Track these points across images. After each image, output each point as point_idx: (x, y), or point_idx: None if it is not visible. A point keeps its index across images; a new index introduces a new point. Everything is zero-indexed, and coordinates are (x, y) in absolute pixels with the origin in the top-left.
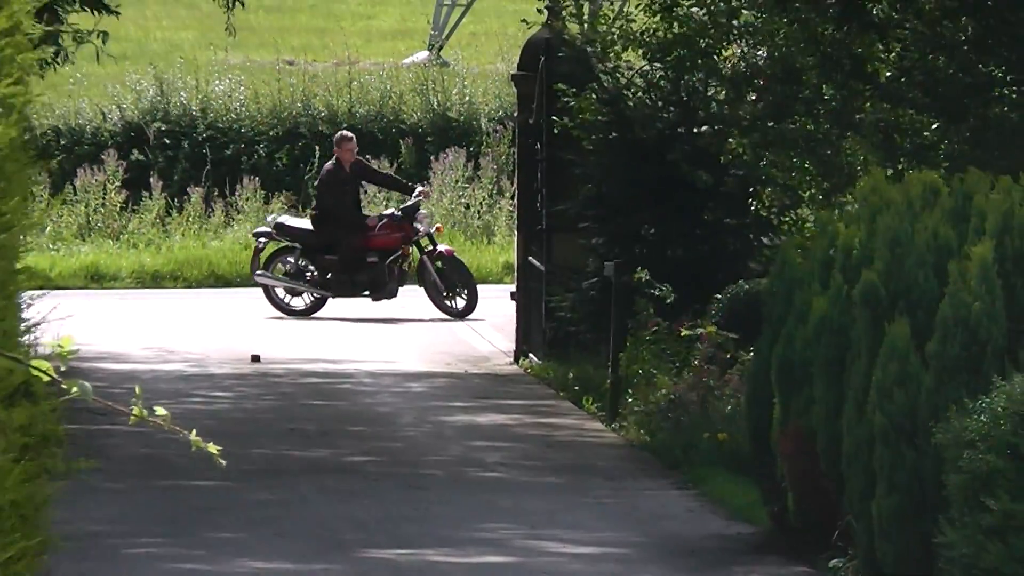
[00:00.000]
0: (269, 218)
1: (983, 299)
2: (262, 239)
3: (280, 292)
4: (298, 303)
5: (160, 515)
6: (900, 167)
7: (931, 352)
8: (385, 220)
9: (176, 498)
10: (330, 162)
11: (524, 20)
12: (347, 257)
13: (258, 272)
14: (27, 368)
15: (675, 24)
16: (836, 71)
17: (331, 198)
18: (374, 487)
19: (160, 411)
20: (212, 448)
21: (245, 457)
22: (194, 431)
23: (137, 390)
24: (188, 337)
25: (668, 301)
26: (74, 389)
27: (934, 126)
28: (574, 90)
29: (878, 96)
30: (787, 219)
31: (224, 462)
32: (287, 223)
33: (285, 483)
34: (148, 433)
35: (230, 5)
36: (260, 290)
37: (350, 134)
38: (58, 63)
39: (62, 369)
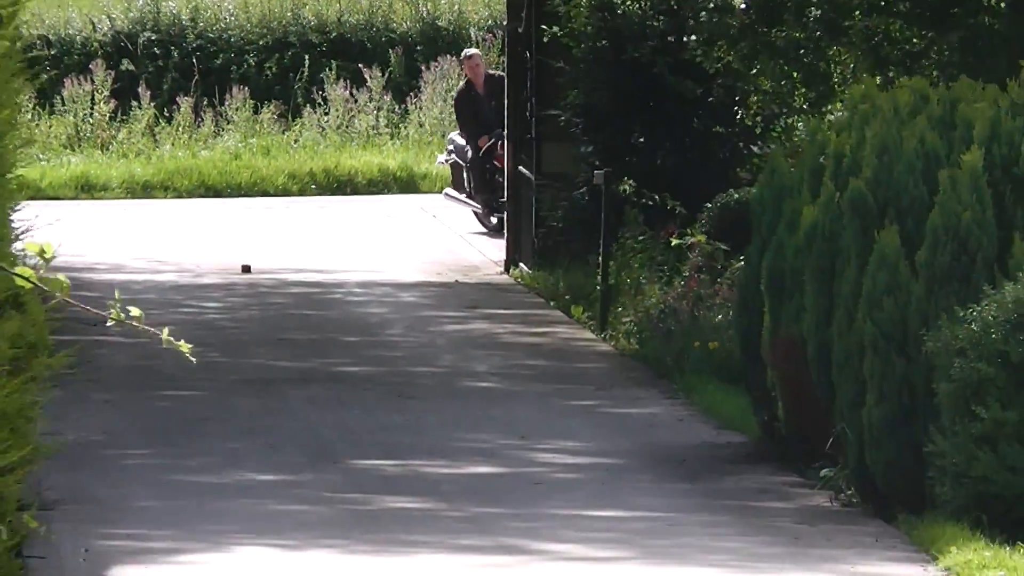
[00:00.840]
0: (449, 136)
1: (973, 208)
2: (442, 158)
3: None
4: (493, 220)
5: (151, 426)
6: (890, 75)
7: (921, 261)
8: (495, 140)
9: (167, 409)
10: (461, 83)
11: None
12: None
13: (447, 191)
14: (10, 275)
15: None
16: None
17: (464, 119)
18: (364, 396)
19: (135, 311)
20: (183, 346)
21: (236, 367)
22: (167, 330)
23: (116, 294)
24: (179, 248)
25: (674, 211)
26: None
27: (922, 34)
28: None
29: (866, 5)
30: (776, 127)
31: (194, 360)
32: (456, 140)
33: (275, 393)
34: (139, 344)
35: None
36: (250, 200)
37: (473, 51)
38: None
39: (41, 273)
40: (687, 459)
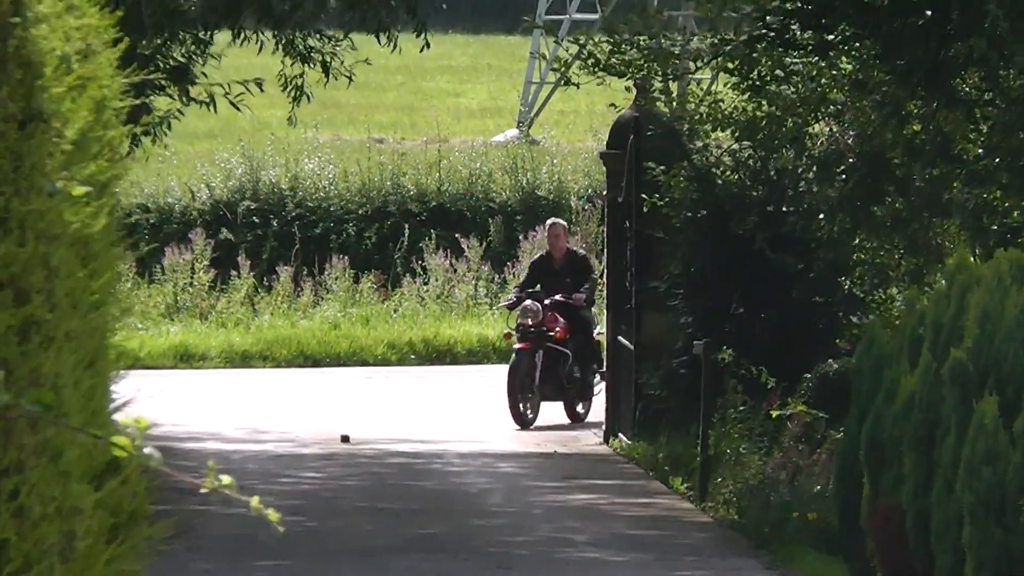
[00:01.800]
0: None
1: None
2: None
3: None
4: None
5: None
6: (990, 247)
7: (1019, 429)
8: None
9: None
10: (540, 252)
11: (612, 104)
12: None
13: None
14: (106, 443)
15: (764, 103)
16: (923, 150)
17: (526, 284)
18: (463, 567)
19: (226, 479)
20: (273, 515)
21: (335, 537)
22: (256, 499)
23: (210, 463)
24: (277, 417)
25: (769, 386)
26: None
27: (1022, 205)
28: (663, 168)
29: (965, 177)
30: (875, 297)
31: (282, 529)
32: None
33: (375, 563)
34: (238, 515)
35: (295, 97)
36: (349, 370)
37: (556, 220)
38: (149, 139)
39: (137, 443)
40: None
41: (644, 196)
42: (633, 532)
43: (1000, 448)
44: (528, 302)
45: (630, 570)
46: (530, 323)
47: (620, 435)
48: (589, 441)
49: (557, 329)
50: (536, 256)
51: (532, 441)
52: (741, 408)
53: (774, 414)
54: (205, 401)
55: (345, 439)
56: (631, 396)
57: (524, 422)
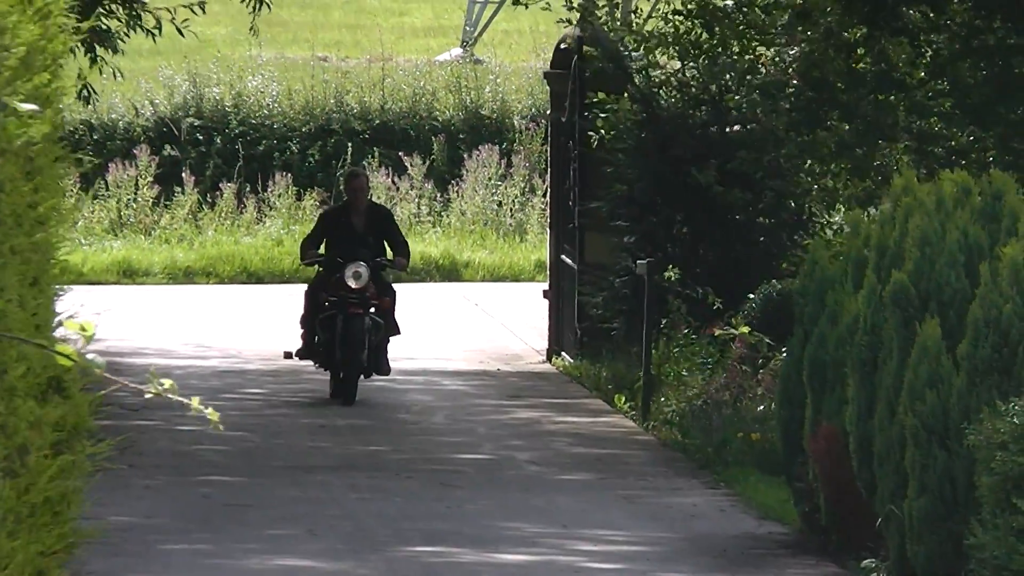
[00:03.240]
0: None
1: (1014, 301)
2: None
3: None
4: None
5: (192, 511)
6: (934, 169)
7: (962, 353)
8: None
9: (208, 495)
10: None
11: (561, 20)
12: None
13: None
14: (51, 353)
15: (708, 26)
16: (866, 78)
17: (306, 246)
18: (406, 484)
19: (167, 382)
20: (213, 415)
21: (276, 454)
22: (196, 399)
23: (152, 369)
24: (221, 333)
25: (715, 307)
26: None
27: (965, 131)
28: (605, 92)
29: (908, 107)
30: (819, 220)
31: (222, 427)
32: None
33: (316, 480)
34: (180, 430)
35: (255, 8)
36: (292, 287)
37: (356, 169)
38: (103, 59)
39: (82, 352)
40: (727, 549)
41: (588, 127)
42: (576, 450)
43: (943, 372)
44: (358, 265)
45: (573, 489)
46: (354, 286)
47: (563, 354)
48: (532, 360)
49: (385, 299)
50: (328, 208)
51: (475, 359)
52: (685, 329)
53: (718, 335)
54: (148, 317)
55: (288, 356)
56: (574, 316)
57: (348, 395)
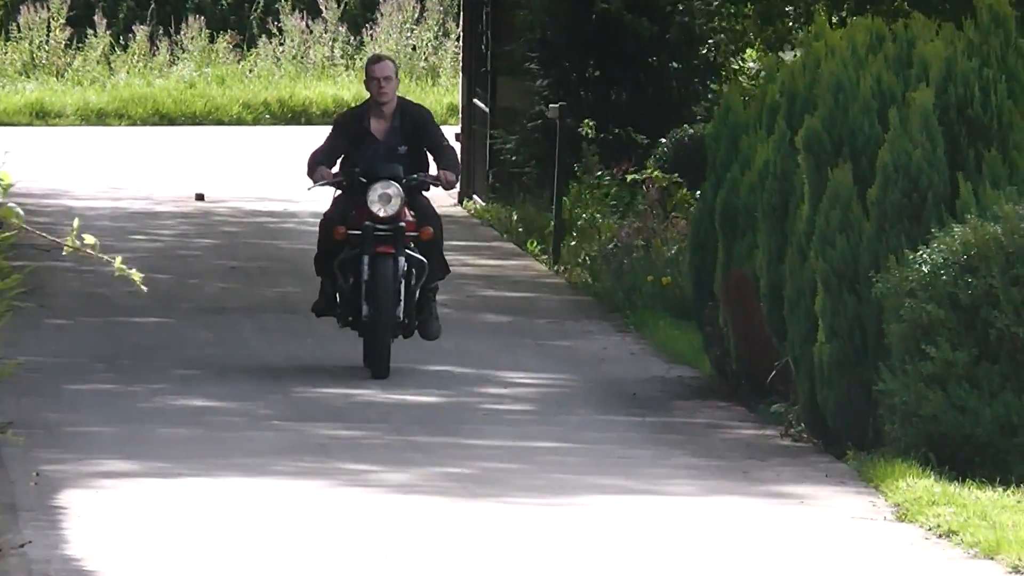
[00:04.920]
0: None
1: (924, 147)
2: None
3: None
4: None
5: (102, 352)
6: (844, 15)
7: (872, 199)
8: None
9: (118, 335)
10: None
11: None
12: None
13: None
14: None
15: None
16: None
17: (313, 162)
18: (315, 326)
19: (89, 239)
20: (135, 275)
21: (188, 295)
22: (119, 258)
23: (75, 223)
24: (133, 175)
25: (635, 146)
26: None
27: None
28: None
29: None
30: (732, 65)
31: (145, 289)
32: None
33: (226, 322)
34: (92, 271)
35: None
36: (204, 129)
37: (382, 55)
38: None
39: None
40: (638, 393)
41: None
42: (486, 293)
43: (854, 218)
44: (388, 185)
45: (483, 332)
46: (383, 214)
47: (475, 197)
48: (444, 203)
49: (426, 229)
50: (343, 113)
51: None
52: (597, 173)
53: (629, 178)
54: (61, 158)
55: (200, 197)
56: (485, 159)
57: (380, 364)
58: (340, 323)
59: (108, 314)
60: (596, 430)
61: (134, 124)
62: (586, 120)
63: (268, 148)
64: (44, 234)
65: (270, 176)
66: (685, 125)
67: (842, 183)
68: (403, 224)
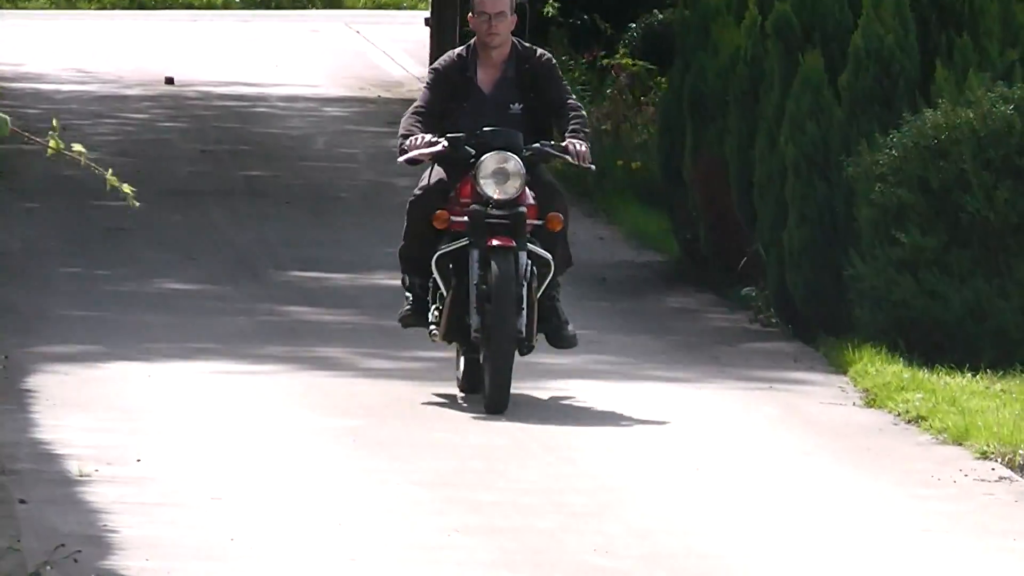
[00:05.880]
0: None
1: (896, 31)
2: None
3: None
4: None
5: (72, 236)
6: None
7: (843, 84)
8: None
9: (89, 219)
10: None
11: None
12: None
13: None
14: None
15: None
16: None
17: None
18: (284, 211)
19: (77, 147)
20: (127, 188)
21: (158, 179)
22: (110, 170)
23: (54, 123)
24: (103, 59)
25: (602, 33)
26: None
27: None
28: None
29: None
30: None
31: (138, 203)
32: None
33: (197, 206)
34: (60, 154)
35: None
36: (175, 12)
37: None
38: None
39: None
40: (607, 278)
41: None
42: None
43: (824, 103)
44: (504, 157)
45: None
46: (498, 196)
47: None
48: (413, 86)
49: (553, 215)
50: (445, 60)
51: (356, 86)
52: (564, 57)
53: (599, 63)
54: (30, 42)
55: (169, 81)
56: (454, 43)
57: (498, 395)
58: (439, 337)
59: (76, 198)
60: (569, 316)
61: (104, 8)
62: (551, 7)
63: (239, 33)
64: (32, 137)
65: (240, 60)
66: (655, 11)
67: (812, 68)
68: (523, 209)
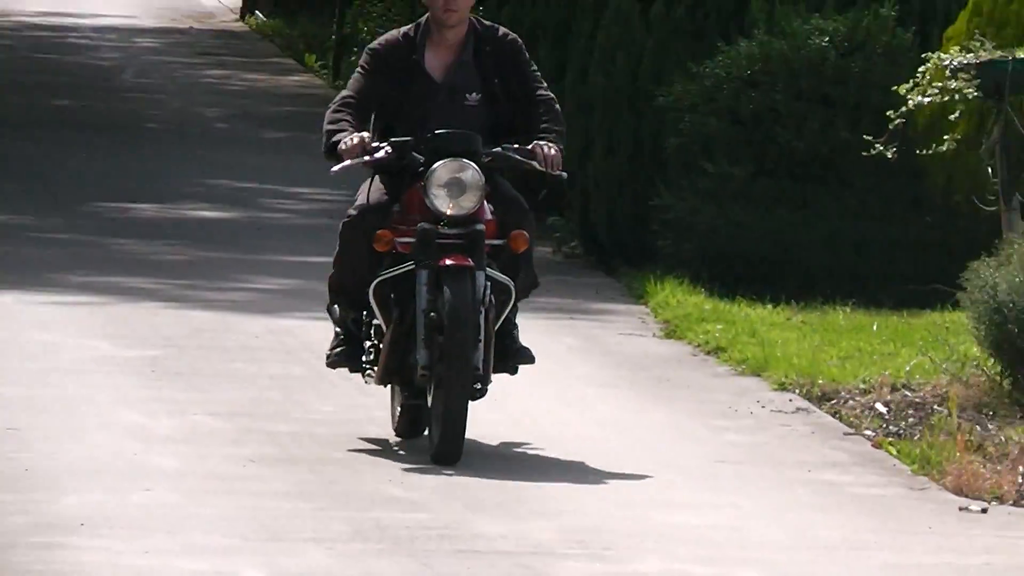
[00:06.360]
0: None
1: None
2: None
3: None
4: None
5: None
6: None
7: (654, 16)
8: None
9: None
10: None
11: None
12: None
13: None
14: None
15: None
16: None
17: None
18: (92, 141)
19: None
20: None
21: None
22: None
23: None
24: None
25: None
26: None
27: None
28: None
29: None
30: None
31: None
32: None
33: (3, 136)
34: None
35: None
36: None
37: None
38: None
39: None
40: None
41: None
42: (265, 109)
43: (634, 34)
44: (460, 166)
45: (262, 147)
46: (452, 212)
47: (257, 12)
48: (225, 17)
49: (519, 235)
50: (387, 37)
51: (167, 16)
52: None
53: None
54: None
55: None
56: None
57: (450, 445)
58: (376, 380)
59: None
60: None
61: None
62: None
63: None
64: None
65: None
66: None
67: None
68: (481, 227)
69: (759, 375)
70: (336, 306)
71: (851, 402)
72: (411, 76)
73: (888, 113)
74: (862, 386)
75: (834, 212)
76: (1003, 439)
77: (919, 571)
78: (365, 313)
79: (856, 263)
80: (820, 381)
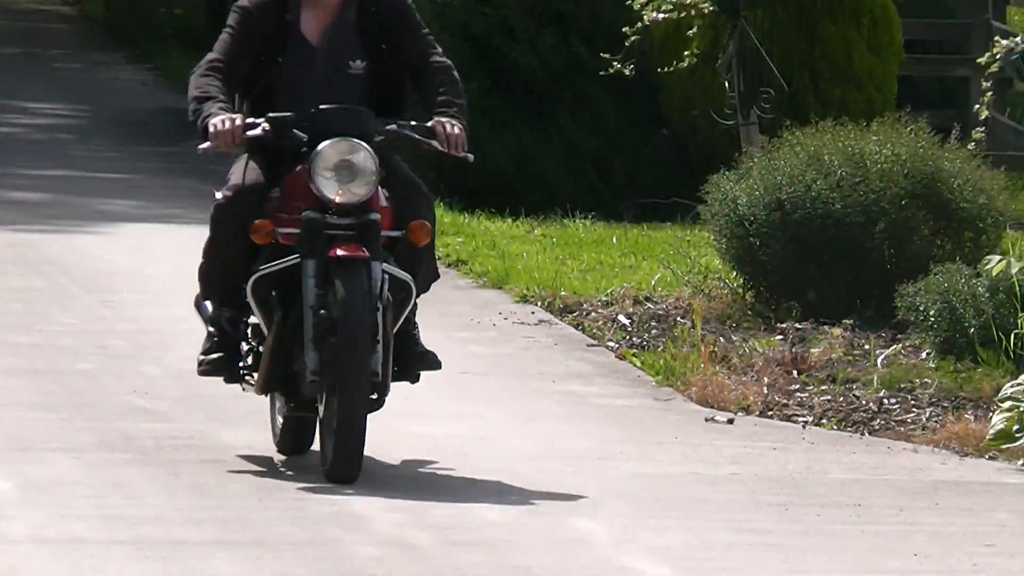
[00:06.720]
0: None
1: None
2: None
3: None
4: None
5: None
6: None
7: None
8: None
9: None
10: None
11: None
12: None
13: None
14: None
15: None
16: None
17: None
18: None
19: None
20: None
21: None
22: None
23: None
24: None
25: None
26: None
27: None
28: None
29: None
30: None
31: None
32: None
33: None
34: None
35: None
36: None
37: None
38: None
39: None
40: (150, 123)
41: None
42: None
43: None
44: (350, 147)
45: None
46: (341, 199)
47: None
48: None
49: (420, 224)
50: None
51: None
52: None
53: None
54: None
55: None
56: None
57: (347, 460)
58: (258, 390)
59: None
60: (110, 160)
61: None
62: None
63: None
64: None
65: None
66: None
67: None
68: (376, 216)
69: (500, 287)
70: (207, 302)
71: (593, 314)
72: (284, 40)
73: (624, 29)
74: (604, 298)
75: (572, 127)
76: (747, 351)
77: (667, 481)
78: (244, 313)
79: (595, 178)
80: (562, 293)
